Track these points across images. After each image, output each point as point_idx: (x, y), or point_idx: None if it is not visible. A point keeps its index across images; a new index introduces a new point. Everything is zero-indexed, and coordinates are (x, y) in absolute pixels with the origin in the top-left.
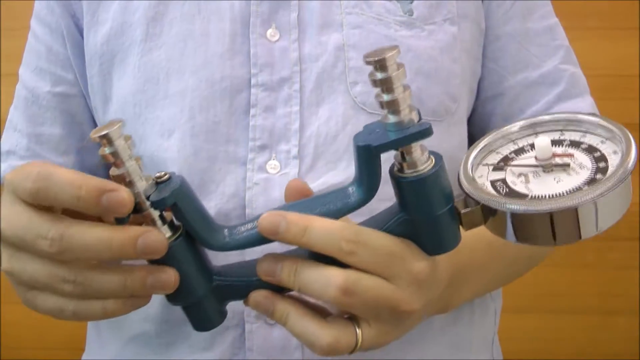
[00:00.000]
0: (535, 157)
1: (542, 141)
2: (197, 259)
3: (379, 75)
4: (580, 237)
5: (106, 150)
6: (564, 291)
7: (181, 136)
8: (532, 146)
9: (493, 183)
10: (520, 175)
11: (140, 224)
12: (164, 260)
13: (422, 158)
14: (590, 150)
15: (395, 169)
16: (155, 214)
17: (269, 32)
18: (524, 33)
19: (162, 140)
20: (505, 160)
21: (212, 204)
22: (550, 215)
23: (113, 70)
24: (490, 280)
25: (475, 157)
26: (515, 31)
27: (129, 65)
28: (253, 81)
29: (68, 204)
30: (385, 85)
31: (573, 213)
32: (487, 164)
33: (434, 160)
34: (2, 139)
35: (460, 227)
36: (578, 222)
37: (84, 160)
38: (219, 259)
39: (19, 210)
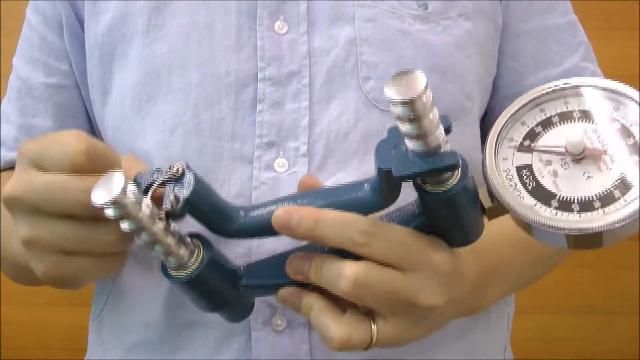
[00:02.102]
0: (566, 149)
1: (574, 135)
2: (223, 275)
3: (406, 114)
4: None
5: (112, 212)
6: (563, 291)
7: (185, 133)
8: (560, 117)
9: (519, 171)
10: (547, 162)
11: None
12: (191, 286)
13: (447, 174)
14: (624, 132)
15: (419, 179)
16: (173, 244)
17: (277, 24)
18: (544, 30)
19: (164, 136)
20: (532, 136)
21: None
22: (577, 234)
23: (114, 62)
24: (516, 281)
25: (500, 131)
26: (535, 28)
27: (130, 57)
28: (260, 75)
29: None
30: (414, 123)
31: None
32: (511, 141)
33: (459, 171)
34: None
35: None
36: (602, 236)
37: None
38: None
39: (39, 176)
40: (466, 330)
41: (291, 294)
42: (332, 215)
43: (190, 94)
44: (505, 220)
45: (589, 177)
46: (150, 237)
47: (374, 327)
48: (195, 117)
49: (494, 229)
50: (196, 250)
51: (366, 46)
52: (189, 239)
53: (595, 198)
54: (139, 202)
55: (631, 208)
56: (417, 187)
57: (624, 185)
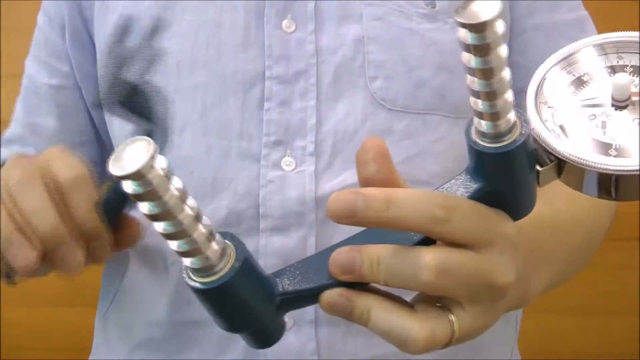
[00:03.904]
0: (612, 97)
1: (622, 79)
2: (257, 282)
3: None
4: None
5: (134, 188)
6: (563, 291)
7: (193, 133)
8: (606, 72)
9: (563, 129)
10: (592, 116)
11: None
12: (219, 296)
13: (508, 126)
14: None
15: (474, 133)
16: (202, 240)
17: (285, 23)
18: (551, 25)
19: (171, 136)
20: (579, 82)
21: (225, 203)
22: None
23: None
24: (558, 270)
25: (536, 93)
26: (542, 24)
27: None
28: (267, 74)
29: None
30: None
31: None
32: (547, 105)
33: (519, 125)
34: (8, 130)
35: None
36: None
37: (80, 156)
38: None
39: None
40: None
41: (340, 297)
42: (403, 192)
43: (198, 94)
44: (541, 205)
45: (637, 121)
46: (176, 228)
47: (453, 318)
48: (203, 117)
49: (535, 216)
50: (228, 251)
51: (373, 45)
52: (220, 237)
53: None
54: (168, 178)
55: None
56: (472, 143)
57: None
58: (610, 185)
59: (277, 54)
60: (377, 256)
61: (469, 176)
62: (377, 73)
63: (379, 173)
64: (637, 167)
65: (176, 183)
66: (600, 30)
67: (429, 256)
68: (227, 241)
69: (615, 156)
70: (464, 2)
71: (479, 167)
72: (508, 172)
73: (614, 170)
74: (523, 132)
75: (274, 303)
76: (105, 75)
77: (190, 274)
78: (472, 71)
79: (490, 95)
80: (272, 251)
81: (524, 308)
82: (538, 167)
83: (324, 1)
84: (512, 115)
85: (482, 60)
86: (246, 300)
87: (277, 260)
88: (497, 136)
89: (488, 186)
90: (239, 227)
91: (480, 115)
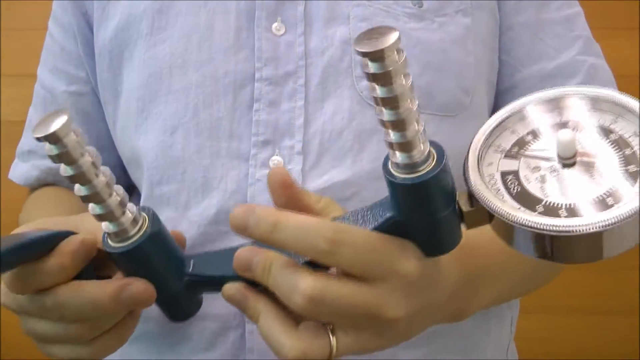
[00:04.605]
0: (558, 154)
1: (565, 135)
2: (165, 255)
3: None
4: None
5: (53, 150)
6: (563, 291)
7: (185, 133)
8: (553, 127)
9: (504, 176)
10: (535, 169)
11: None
12: (131, 261)
13: (422, 157)
14: (620, 144)
15: (390, 164)
16: (115, 205)
17: (275, 26)
18: (538, 23)
19: (165, 137)
20: (521, 144)
21: (214, 201)
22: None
23: (122, 65)
24: (511, 287)
25: (487, 138)
26: (529, 21)
27: (135, 59)
28: (257, 75)
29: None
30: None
31: (594, 237)
32: (499, 148)
33: (435, 157)
34: (22, 140)
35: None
36: (601, 243)
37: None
38: None
39: (17, 295)
40: (466, 334)
41: (237, 292)
42: (293, 218)
43: (190, 95)
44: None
45: (579, 184)
46: (90, 191)
47: (333, 339)
48: (194, 118)
49: (487, 231)
50: (141, 221)
51: None
52: (134, 207)
53: (585, 204)
54: (81, 146)
55: (623, 209)
56: (388, 174)
57: (617, 194)
58: (530, 241)
59: (267, 56)
60: (270, 263)
61: (384, 204)
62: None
63: (284, 201)
64: (557, 228)
65: (91, 152)
66: (600, 30)
67: (307, 283)
68: (143, 213)
69: (540, 212)
70: (363, 32)
71: (392, 197)
72: (419, 204)
73: (531, 228)
74: (437, 164)
75: (182, 279)
76: (105, 81)
77: (108, 240)
78: (377, 101)
79: (398, 125)
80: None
81: (463, 319)
82: (465, 207)
83: (313, 3)
84: (424, 147)
85: (385, 89)
86: (155, 268)
87: None
88: (409, 167)
89: (398, 217)
90: (228, 224)
91: (391, 145)
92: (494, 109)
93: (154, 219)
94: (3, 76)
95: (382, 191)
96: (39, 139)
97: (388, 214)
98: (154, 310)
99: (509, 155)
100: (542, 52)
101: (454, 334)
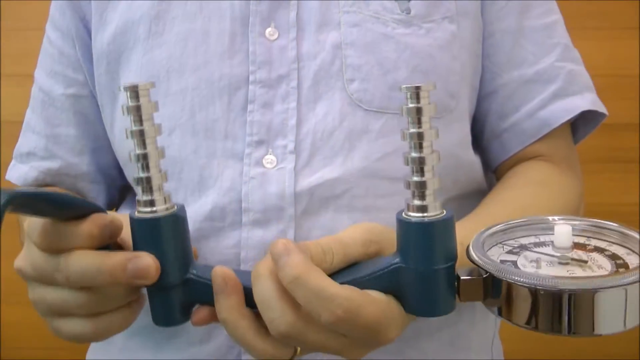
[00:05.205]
0: (553, 244)
1: (563, 228)
2: (180, 242)
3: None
4: (593, 332)
5: (130, 102)
6: None
7: (182, 134)
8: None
9: (502, 262)
10: (532, 261)
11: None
12: (150, 233)
13: (434, 204)
14: (614, 257)
15: (403, 210)
16: (157, 178)
17: (268, 30)
18: (519, 30)
19: (162, 137)
20: (522, 247)
21: (210, 199)
22: (568, 297)
23: (120, 69)
24: None
25: (491, 236)
26: (510, 28)
27: (133, 62)
28: (251, 78)
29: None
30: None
31: (590, 298)
32: (503, 246)
33: (445, 212)
34: (19, 142)
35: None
36: (594, 312)
37: (98, 161)
38: None
39: (36, 253)
40: (450, 322)
41: (221, 277)
42: (314, 280)
43: (186, 97)
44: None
45: (572, 273)
46: (144, 151)
47: (298, 349)
48: (191, 119)
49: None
50: (170, 205)
51: (351, 50)
52: (169, 194)
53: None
54: (151, 112)
55: (618, 279)
56: (400, 218)
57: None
58: (533, 310)
59: (261, 60)
60: (293, 275)
61: (391, 255)
62: (354, 76)
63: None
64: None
65: (156, 125)
66: (600, 30)
67: (287, 323)
68: (175, 203)
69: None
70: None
71: (400, 240)
72: (424, 245)
73: (526, 283)
74: (445, 215)
75: (184, 274)
76: (103, 84)
77: (137, 208)
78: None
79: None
80: (253, 243)
81: None
82: (462, 275)
83: (305, 10)
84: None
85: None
86: (165, 249)
87: (258, 252)
88: (422, 209)
89: (402, 263)
90: (223, 220)
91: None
92: (476, 113)
93: (182, 208)
94: (3, 76)
95: (372, 189)
96: (125, 88)
97: (393, 261)
98: None
99: (510, 252)
100: (522, 58)
101: (440, 325)
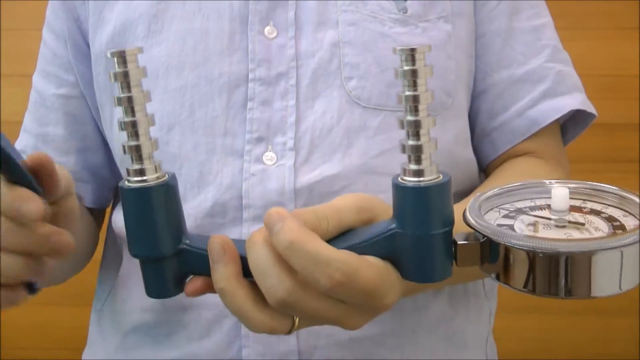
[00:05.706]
0: (549, 207)
1: (560, 191)
2: (172, 212)
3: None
4: (590, 294)
5: (117, 68)
6: None
7: (181, 131)
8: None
9: (499, 226)
10: (529, 225)
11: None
12: (141, 203)
13: (431, 168)
14: (610, 219)
15: (400, 174)
16: (147, 147)
17: (267, 29)
18: (509, 31)
19: (162, 134)
20: (519, 211)
21: (210, 195)
22: (565, 259)
23: None
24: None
25: (487, 200)
26: (501, 29)
27: None
28: (251, 76)
29: None
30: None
31: (587, 259)
32: (499, 209)
33: (442, 176)
34: (18, 142)
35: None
36: (590, 273)
37: (86, 160)
38: None
39: None
40: (447, 317)
41: (219, 245)
42: (311, 244)
43: (186, 94)
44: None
45: (569, 236)
46: (131, 119)
47: (296, 320)
48: (190, 116)
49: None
50: (161, 174)
51: (349, 48)
52: (160, 162)
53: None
54: (139, 78)
55: (617, 241)
56: (396, 183)
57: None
58: (532, 272)
59: (260, 58)
60: (289, 241)
61: (389, 220)
62: (352, 74)
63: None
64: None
65: (144, 92)
66: (600, 30)
67: (284, 290)
68: (165, 172)
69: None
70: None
71: (397, 206)
72: (421, 209)
73: (529, 247)
74: (442, 179)
75: (177, 244)
76: (102, 84)
77: (127, 178)
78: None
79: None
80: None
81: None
82: (459, 240)
83: (303, 9)
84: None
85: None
86: (156, 219)
87: None
88: (418, 173)
89: (399, 228)
90: (224, 217)
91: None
92: (470, 111)
93: (174, 177)
94: (3, 76)
95: (370, 185)
96: (112, 54)
97: (389, 226)
98: (150, 301)
99: (507, 216)
100: (512, 59)
101: (436, 319)
